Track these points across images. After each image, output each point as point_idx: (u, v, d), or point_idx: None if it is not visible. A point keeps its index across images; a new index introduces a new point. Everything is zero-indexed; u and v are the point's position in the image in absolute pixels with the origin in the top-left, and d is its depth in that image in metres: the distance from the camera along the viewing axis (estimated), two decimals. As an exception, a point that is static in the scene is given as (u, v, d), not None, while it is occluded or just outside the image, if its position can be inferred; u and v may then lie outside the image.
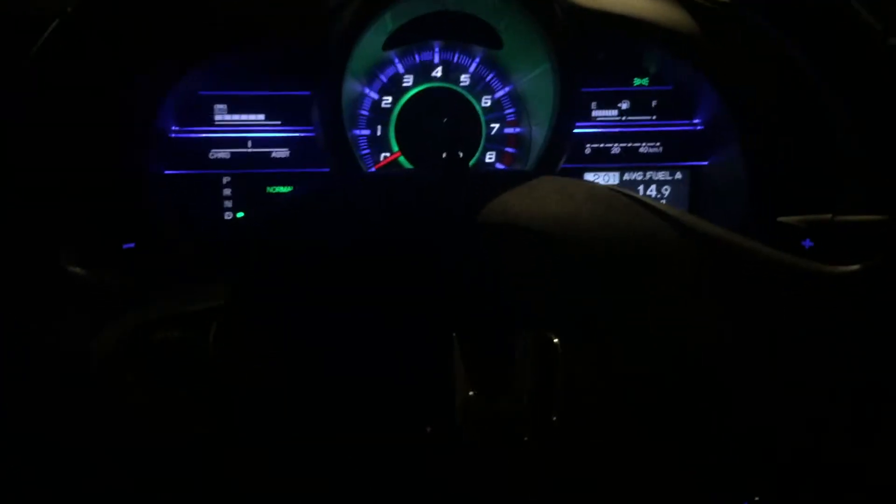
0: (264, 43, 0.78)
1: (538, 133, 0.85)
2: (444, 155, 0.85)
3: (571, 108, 0.80)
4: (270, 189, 0.85)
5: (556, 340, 0.43)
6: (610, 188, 0.51)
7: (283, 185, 0.85)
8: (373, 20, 0.75)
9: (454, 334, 0.42)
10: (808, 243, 0.53)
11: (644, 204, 0.49)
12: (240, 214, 0.85)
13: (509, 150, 0.89)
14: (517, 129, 0.89)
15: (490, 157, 0.89)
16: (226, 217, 0.85)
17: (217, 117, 0.83)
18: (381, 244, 0.46)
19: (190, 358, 0.44)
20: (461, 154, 0.86)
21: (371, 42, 0.80)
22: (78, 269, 0.44)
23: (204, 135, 0.83)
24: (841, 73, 0.46)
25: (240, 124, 0.84)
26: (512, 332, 0.43)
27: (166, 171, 0.82)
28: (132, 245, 0.57)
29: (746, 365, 0.46)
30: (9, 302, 0.45)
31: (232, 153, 0.84)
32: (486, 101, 0.88)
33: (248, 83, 0.83)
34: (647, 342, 0.45)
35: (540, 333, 0.43)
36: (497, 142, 0.89)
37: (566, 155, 0.82)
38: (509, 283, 0.45)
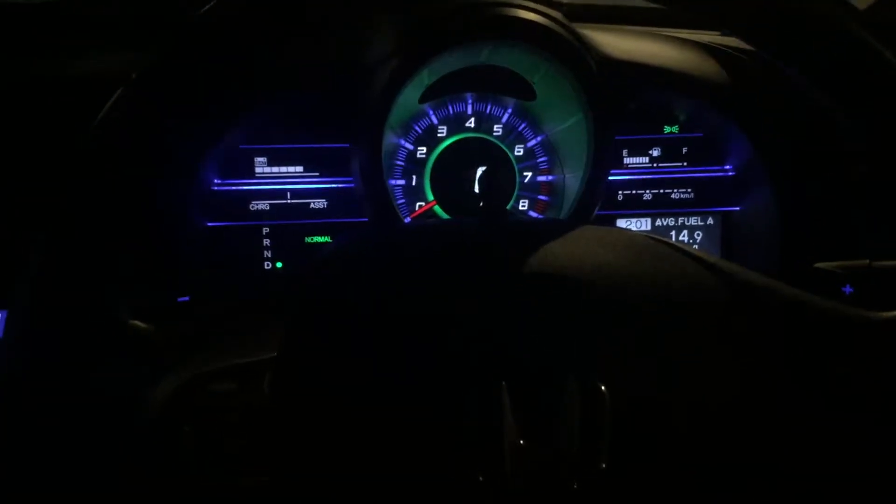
0: (305, 97, 0.81)
1: (572, 181, 0.87)
2: (480, 204, 0.86)
3: (605, 157, 0.82)
4: (309, 239, 0.87)
5: (602, 388, 0.43)
6: (648, 236, 0.52)
7: (321, 235, 0.87)
8: (412, 76, 0.78)
9: (503, 383, 0.43)
10: (847, 289, 0.54)
11: (684, 252, 0.50)
12: (279, 264, 0.87)
13: (542, 197, 0.90)
14: (550, 178, 0.90)
15: (523, 205, 0.91)
16: (265, 267, 0.86)
17: (258, 170, 0.85)
18: (425, 293, 0.48)
19: (246, 408, 0.45)
20: (496, 202, 0.87)
21: (408, 96, 0.83)
22: (138, 323, 0.46)
23: (245, 187, 0.85)
24: (866, 118, 0.47)
25: (279, 176, 0.86)
26: (559, 380, 0.44)
27: (208, 224, 0.84)
28: (187, 298, 0.59)
29: (790, 410, 0.47)
30: (69, 355, 0.46)
31: (271, 204, 0.86)
32: (519, 150, 0.90)
33: (287, 136, 0.85)
34: (690, 387, 0.46)
35: (586, 381, 0.44)
36: (530, 189, 0.90)
37: (600, 202, 0.84)
38: (553, 331, 0.46)
